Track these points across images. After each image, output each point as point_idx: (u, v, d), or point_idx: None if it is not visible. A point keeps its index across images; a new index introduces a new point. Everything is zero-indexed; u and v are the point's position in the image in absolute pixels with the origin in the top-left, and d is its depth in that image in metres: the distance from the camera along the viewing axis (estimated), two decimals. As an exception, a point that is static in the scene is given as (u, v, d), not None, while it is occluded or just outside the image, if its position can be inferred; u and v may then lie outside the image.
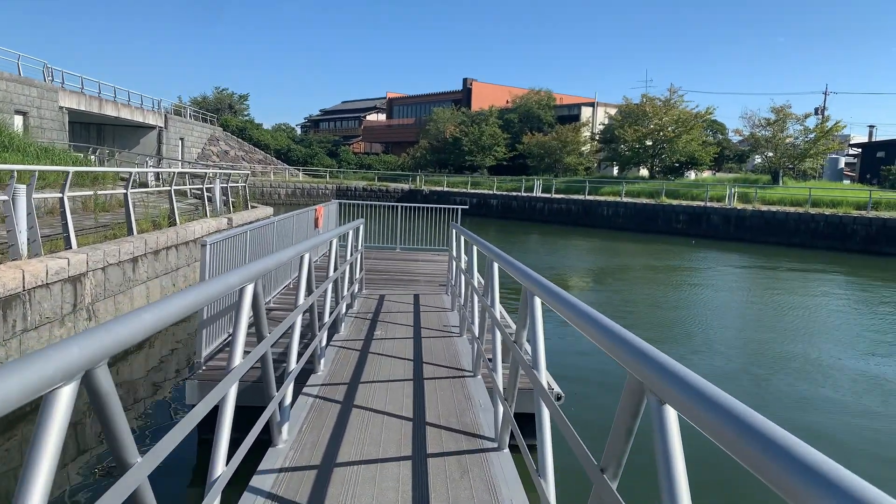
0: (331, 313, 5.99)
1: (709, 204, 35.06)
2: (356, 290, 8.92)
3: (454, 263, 8.67)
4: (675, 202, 36.60)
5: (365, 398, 4.90)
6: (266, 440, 3.84)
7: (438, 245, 16.37)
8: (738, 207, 33.44)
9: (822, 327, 13.99)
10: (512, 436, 3.70)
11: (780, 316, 15.07)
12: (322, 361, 5.67)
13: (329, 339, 6.54)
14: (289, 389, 4.08)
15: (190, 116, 55.01)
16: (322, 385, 5.19)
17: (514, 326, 7.19)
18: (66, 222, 8.81)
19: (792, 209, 32.30)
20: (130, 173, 10.70)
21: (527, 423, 6.15)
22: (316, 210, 12.92)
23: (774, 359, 10.96)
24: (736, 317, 15.02)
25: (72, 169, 9.36)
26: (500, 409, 4.02)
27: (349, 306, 8.31)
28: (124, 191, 10.53)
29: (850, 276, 22.43)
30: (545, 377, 2.91)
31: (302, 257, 4.50)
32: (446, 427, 4.33)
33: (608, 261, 25.32)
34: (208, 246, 6.03)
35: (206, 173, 15.69)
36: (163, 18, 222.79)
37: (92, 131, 44.98)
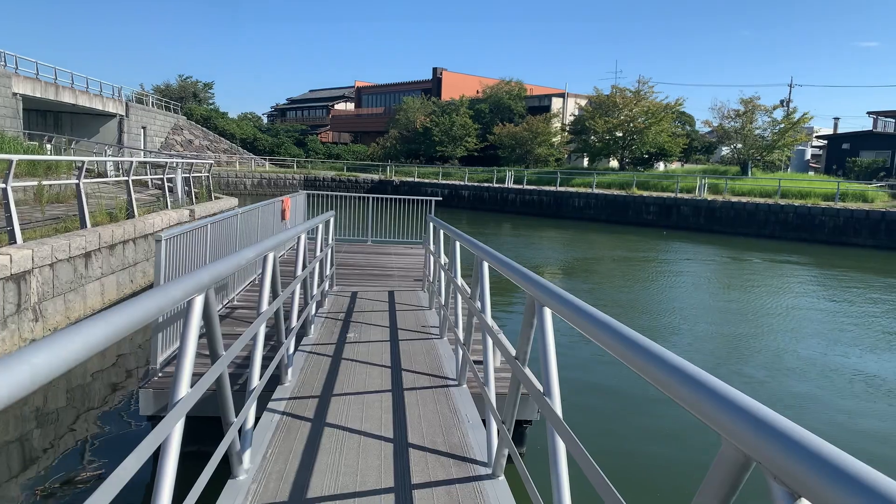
0: (299, 315, 5.48)
1: (679, 195, 35.08)
2: (326, 288, 8.35)
3: (431, 258, 8.21)
4: (645, 193, 36.57)
5: (339, 414, 4.38)
6: (224, 468, 3.32)
7: (411, 237, 15.88)
8: (709, 199, 33.52)
9: (798, 319, 13.86)
10: (509, 458, 3.27)
11: (757, 308, 14.93)
12: (290, 371, 5.13)
13: (297, 343, 5.98)
14: (251, 411, 3.56)
15: (153, 105, 53.42)
16: (290, 399, 4.65)
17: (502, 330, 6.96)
18: (10, 215, 8.11)
19: (762, 200, 32.47)
20: (83, 162, 9.97)
21: (518, 429, 5.62)
22: (282, 201, 12.32)
23: (752, 353, 10.74)
24: (712, 310, 14.83)
25: (15, 157, 8.63)
26: (494, 429, 3.57)
27: (319, 305, 7.74)
28: (76, 181, 9.81)
29: (821, 266, 22.53)
30: (559, 405, 2.47)
31: (266, 257, 3.97)
32: (432, 449, 3.86)
33: (582, 253, 25.10)
34: (163, 241, 5.45)
35: (166, 163, 14.91)
36: (127, 3, 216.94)
37: (49, 119, 43.33)
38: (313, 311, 6.78)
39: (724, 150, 68.06)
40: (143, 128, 48.76)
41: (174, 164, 15.46)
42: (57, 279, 8.54)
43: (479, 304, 4.23)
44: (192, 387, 2.28)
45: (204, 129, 61.73)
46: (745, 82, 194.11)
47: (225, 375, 2.84)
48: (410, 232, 15.89)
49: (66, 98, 36.93)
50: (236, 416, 3.05)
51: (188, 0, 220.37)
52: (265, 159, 61.35)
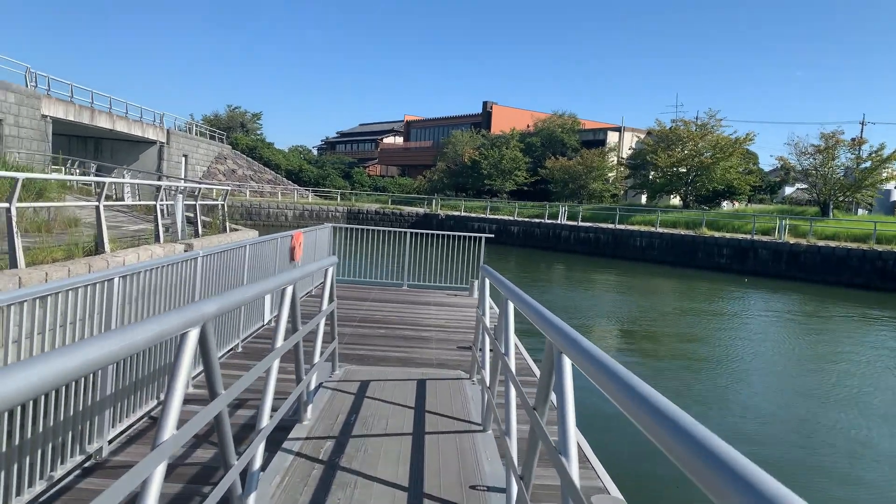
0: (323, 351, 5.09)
1: (756, 237, 31.47)
2: (332, 358, 5.90)
3: (482, 321, 5.45)
4: (717, 234, 33.03)
5: (355, 458, 4.11)
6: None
7: (456, 281, 13.00)
8: (791, 241, 29.83)
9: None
10: None
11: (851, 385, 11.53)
12: (309, 409, 4.83)
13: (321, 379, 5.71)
14: (257, 451, 3.27)
15: (196, 133, 52.36)
16: (306, 439, 4.40)
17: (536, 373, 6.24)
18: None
19: (853, 245, 28.63)
20: (16, 179, 7.46)
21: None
22: (292, 237, 9.62)
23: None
24: (802, 392, 11.49)
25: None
26: (514, 490, 3.10)
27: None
28: (7, 204, 7.28)
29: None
30: (576, 469, 2.11)
31: (284, 290, 3.89)
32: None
33: (645, 301, 21.77)
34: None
35: (160, 186, 12.42)
36: (180, 35, 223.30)
37: (90, 145, 42.37)
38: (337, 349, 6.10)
39: (789, 190, 64.27)
40: (185, 156, 47.48)
41: (174, 189, 13.02)
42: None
43: (503, 346, 3.95)
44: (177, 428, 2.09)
45: (249, 158, 60.56)
46: (808, 119, 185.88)
47: (224, 415, 2.59)
48: (455, 275, 13.02)
49: (103, 123, 35.57)
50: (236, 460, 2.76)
51: (241, 34, 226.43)
52: (309, 190, 59.68)
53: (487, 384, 4.76)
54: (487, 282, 5.37)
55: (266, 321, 8.46)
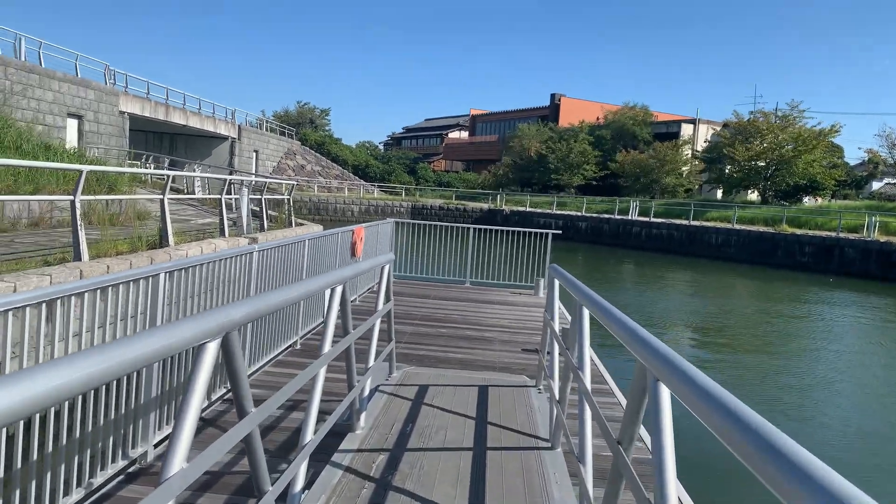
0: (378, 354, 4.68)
1: (842, 235, 29.58)
2: (389, 359, 5.59)
3: (550, 326, 4.99)
4: (799, 231, 31.24)
5: (408, 477, 3.68)
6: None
7: (521, 280, 12.54)
8: (881, 240, 27.88)
9: None
10: None
11: None
12: (363, 416, 4.46)
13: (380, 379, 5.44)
14: (299, 470, 3.01)
15: (266, 129, 53.42)
16: (358, 451, 4.01)
17: (617, 395, 5.84)
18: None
19: (954, 244, 26.52)
20: (80, 172, 7.45)
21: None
22: (353, 232, 9.38)
23: None
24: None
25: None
26: None
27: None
28: (71, 197, 7.28)
29: None
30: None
31: (333, 290, 3.62)
32: None
33: (719, 302, 20.67)
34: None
35: (227, 179, 12.42)
36: (253, 32, 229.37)
37: (165, 141, 43.79)
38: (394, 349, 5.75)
39: (877, 185, 60.39)
40: (256, 151, 48.50)
41: (240, 183, 13.04)
42: None
43: (576, 358, 3.57)
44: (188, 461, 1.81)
45: (317, 154, 61.46)
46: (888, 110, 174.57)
47: (255, 436, 2.33)
48: (520, 273, 12.56)
49: (177, 119, 36.63)
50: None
51: (313, 30, 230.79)
52: (374, 186, 60.09)
53: (556, 397, 4.35)
54: (557, 283, 4.90)
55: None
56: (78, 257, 7.43)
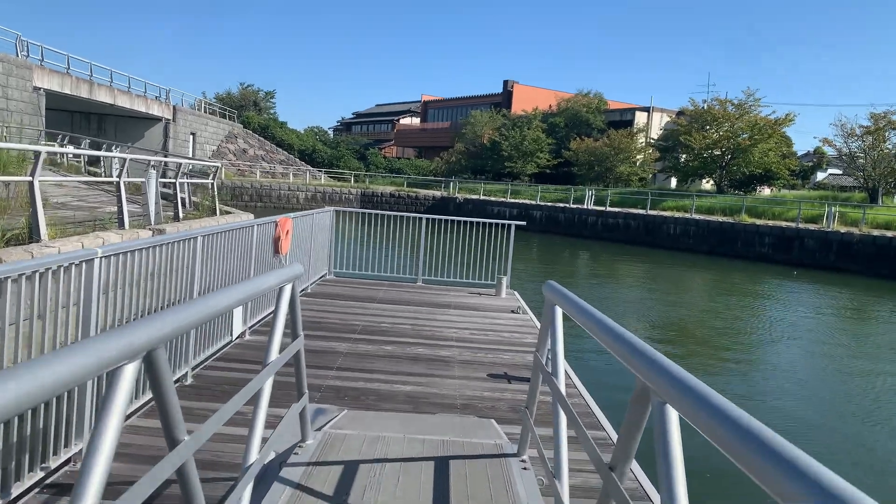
0: None
1: (801, 225, 28.99)
2: (302, 419, 3.72)
3: (544, 371, 3.30)
4: (759, 222, 30.55)
5: (365, 490, 3.02)
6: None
7: (479, 278, 10.90)
8: (842, 230, 27.34)
9: None
10: None
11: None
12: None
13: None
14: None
15: (205, 110, 50.31)
16: (310, 465, 3.26)
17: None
18: None
19: (913, 235, 26.10)
20: None
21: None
22: (277, 225, 7.52)
23: None
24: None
25: None
26: None
27: None
28: None
29: None
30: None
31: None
32: None
33: (675, 297, 19.51)
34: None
35: (125, 159, 10.35)
36: (193, 13, 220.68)
37: (93, 122, 40.57)
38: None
39: (821, 175, 61.18)
40: (193, 134, 45.50)
41: (148, 163, 10.94)
42: None
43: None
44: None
45: (261, 138, 58.56)
46: (859, 101, 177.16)
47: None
48: (479, 270, 10.91)
49: (103, 97, 33.58)
50: None
51: (256, 12, 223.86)
52: (322, 172, 57.60)
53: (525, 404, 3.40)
54: (559, 311, 3.16)
55: (235, 336, 6.40)
56: None
